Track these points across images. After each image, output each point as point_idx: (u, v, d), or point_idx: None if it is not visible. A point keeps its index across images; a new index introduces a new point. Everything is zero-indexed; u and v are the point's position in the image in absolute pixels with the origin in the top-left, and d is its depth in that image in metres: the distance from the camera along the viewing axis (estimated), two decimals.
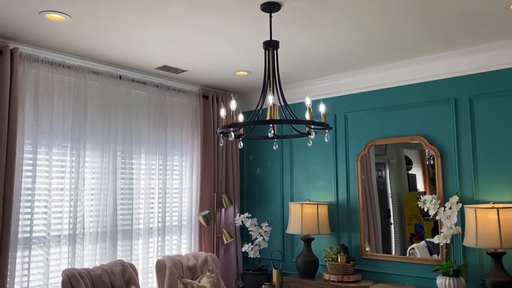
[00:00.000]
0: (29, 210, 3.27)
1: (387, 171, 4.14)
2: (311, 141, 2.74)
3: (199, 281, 3.89)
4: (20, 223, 3.21)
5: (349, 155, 4.24)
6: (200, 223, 4.43)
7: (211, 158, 4.58)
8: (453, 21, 2.94)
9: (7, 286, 3.04)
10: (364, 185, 4.15)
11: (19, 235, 3.19)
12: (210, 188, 4.57)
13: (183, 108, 4.46)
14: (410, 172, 4.01)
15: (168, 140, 4.29)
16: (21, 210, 3.21)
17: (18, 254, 3.18)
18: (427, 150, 3.82)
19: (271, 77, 2.61)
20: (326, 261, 3.94)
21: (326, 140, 2.65)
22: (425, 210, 3.54)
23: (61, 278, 3.17)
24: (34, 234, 3.29)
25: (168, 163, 4.30)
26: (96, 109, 3.72)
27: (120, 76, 3.90)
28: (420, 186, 3.94)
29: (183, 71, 4.07)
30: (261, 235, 4.52)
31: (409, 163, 4.02)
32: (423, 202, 3.53)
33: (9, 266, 3.06)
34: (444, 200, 3.60)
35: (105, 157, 3.75)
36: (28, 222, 3.26)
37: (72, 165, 3.53)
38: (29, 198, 3.28)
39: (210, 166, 4.57)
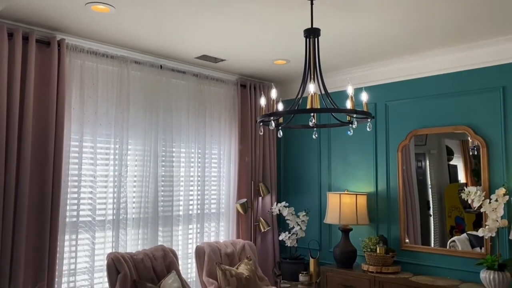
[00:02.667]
0: (75, 195, 3.41)
1: (427, 161, 4.04)
2: (352, 130, 2.71)
3: (237, 268, 3.95)
4: (68, 208, 3.35)
5: (389, 145, 4.15)
6: (237, 211, 4.48)
7: (249, 146, 4.61)
8: (501, 6, 2.80)
9: (56, 266, 3.19)
10: (404, 176, 4.06)
11: (67, 219, 3.34)
12: (248, 176, 4.61)
13: (221, 97, 4.50)
14: (451, 163, 3.90)
15: (206, 129, 4.35)
16: (68, 196, 3.35)
17: (66, 237, 3.33)
18: (470, 140, 3.69)
19: (312, 65, 2.58)
20: (364, 251, 3.91)
21: (368, 129, 2.61)
22: (469, 202, 3.43)
23: (106, 261, 3.30)
24: (80, 219, 3.43)
25: (207, 151, 4.36)
26: (138, 98, 3.81)
27: (161, 66, 3.97)
28: (462, 177, 3.82)
29: (222, 60, 4.10)
30: (298, 224, 4.52)
31: (450, 154, 3.91)
32: (467, 193, 3.43)
33: (58, 248, 3.21)
34: (489, 192, 3.47)
35: (146, 145, 3.84)
36: (75, 207, 3.40)
37: (115, 153, 3.64)
38: (76, 184, 3.41)
39: (247, 154, 4.60)
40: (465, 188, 3.51)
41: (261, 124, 2.73)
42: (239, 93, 4.60)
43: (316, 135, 2.88)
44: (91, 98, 3.52)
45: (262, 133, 3.07)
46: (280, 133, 2.85)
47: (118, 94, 3.66)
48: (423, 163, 4.05)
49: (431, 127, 3.89)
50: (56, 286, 3.17)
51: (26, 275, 2.96)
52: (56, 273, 3.18)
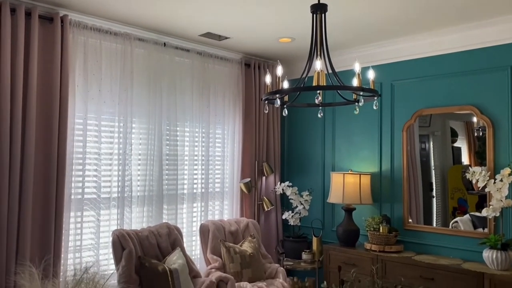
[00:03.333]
0: (80, 173, 3.42)
1: (431, 143, 4.03)
2: (358, 109, 2.69)
3: (240, 245, 3.99)
4: (73, 185, 3.36)
5: (394, 125, 4.13)
6: (241, 190, 4.50)
7: (253, 126, 4.60)
8: None
9: (62, 243, 3.22)
10: (408, 156, 4.05)
11: (72, 197, 3.35)
12: (251, 156, 4.61)
13: (225, 76, 4.46)
14: (455, 145, 3.89)
15: (210, 108, 4.33)
16: (73, 173, 3.36)
17: (72, 214, 3.35)
18: (476, 120, 3.67)
19: (319, 42, 2.55)
20: (367, 231, 3.93)
21: (374, 107, 2.59)
22: (473, 182, 3.43)
23: (111, 238, 3.34)
24: (85, 196, 3.45)
25: (211, 131, 4.35)
26: (142, 76, 3.78)
27: (164, 43, 3.93)
28: (465, 159, 3.82)
29: (226, 38, 4.05)
30: (302, 204, 4.54)
31: (454, 136, 3.89)
32: (472, 173, 3.43)
33: (63, 225, 3.23)
34: (494, 172, 3.46)
35: (151, 123, 3.83)
36: (80, 185, 3.42)
37: (120, 131, 3.64)
38: (80, 161, 3.42)
39: (251, 134, 4.59)
40: (469, 168, 3.51)
41: (266, 102, 2.71)
42: (243, 72, 4.56)
43: (322, 114, 2.86)
44: (95, 75, 3.49)
45: (267, 111, 3.06)
46: (285, 112, 2.83)
47: (121, 71, 3.64)
48: (426, 145, 4.04)
49: (437, 107, 3.87)
50: (62, 262, 3.21)
51: (32, 250, 3.00)
52: (62, 249, 3.21)
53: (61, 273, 2.99)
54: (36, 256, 2.82)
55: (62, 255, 3.22)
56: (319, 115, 2.84)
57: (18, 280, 1.63)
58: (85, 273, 1.64)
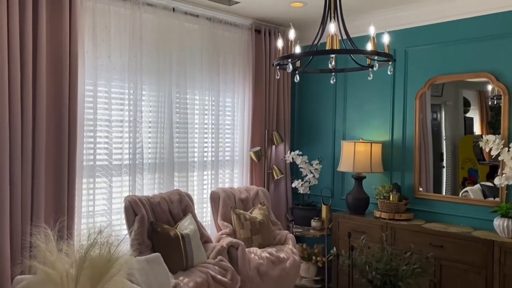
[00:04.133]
0: (91, 140, 3.44)
1: (443, 113, 3.98)
2: (371, 75, 2.64)
3: (251, 213, 4.03)
4: (84, 152, 3.38)
5: (407, 93, 4.07)
6: (251, 159, 4.51)
7: (263, 95, 4.56)
8: None
9: (76, 208, 3.27)
10: (421, 125, 4.00)
11: (84, 163, 3.38)
12: (261, 125, 4.59)
13: (235, 42, 4.39)
14: (467, 115, 3.83)
15: (220, 76, 4.28)
16: (84, 140, 3.38)
17: (84, 180, 3.39)
18: (491, 89, 3.59)
19: (332, 5, 2.48)
20: (377, 199, 3.93)
21: (389, 72, 2.53)
22: (487, 150, 3.39)
23: (123, 204, 3.38)
24: (97, 163, 3.48)
25: (221, 99, 4.32)
26: (151, 42, 3.73)
27: (173, 9, 3.85)
28: (477, 129, 3.78)
29: (236, 2, 3.96)
30: (311, 172, 4.55)
31: (467, 105, 3.83)
32: (485, 142, 3.38)
33: (76, 191, 3.27)
34: (508, 140, 3.42)
35: (160, 91, 3.81)
36: (92, 152, 3.44)
37: (130, 98, 3.62)
38: (91, 128, 3.43)
39: (261, 103, 4.56)
40: (482, 137, 3.46)
41: (278, 67, 2.67)
42: (254, 39, 4.48)
43: (334, 80, 2.81)
44: (104, 41, 3.45)
45: (278, 77, 3.01)
46: (297, 78, 2.78)
47: (131, 38, 3.59)
48: (438, 115, 3.99)
49: (451, 74, 3.78)
50: (76, 226, 3.27)
51: (46, 213, 3.05)
52: (76, 214, 3.26)
53: (75, 236, 3.05)
54: (51, 219, 2.87)
55: (76, 220, 3.28)
56: (331, 81, 2.79)
57: (34, 241, 1.66)
58: (99, 235, 1.66)
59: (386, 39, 2.54)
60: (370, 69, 2.54)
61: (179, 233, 3.36)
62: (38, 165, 3.02)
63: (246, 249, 3.61)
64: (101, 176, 3.51)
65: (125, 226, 3.38)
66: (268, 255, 3.64)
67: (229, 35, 4.33)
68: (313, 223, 4.39)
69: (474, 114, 3.79)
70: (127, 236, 3.26)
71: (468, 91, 3.81)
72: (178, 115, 3.97)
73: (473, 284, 3.26)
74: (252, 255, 3.61)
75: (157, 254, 2.55)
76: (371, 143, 4.07)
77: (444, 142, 3.96)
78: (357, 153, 4.02)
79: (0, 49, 2.82)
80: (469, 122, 3.84)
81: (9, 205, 2.84)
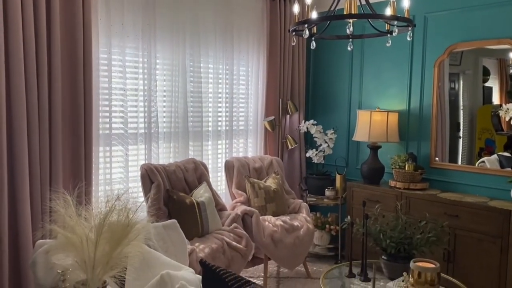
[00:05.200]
0: (107, 108, 3.45)
1: (461, 82, 3.89)
2: (390, 41, 2.57)
3: (265, 182, 4.05)
4: (100, 120, 3.41)
5: (425, 61, 3.97)
6: (265, 128, 4.50)
7: (277, 64, 4.50)
8: None
9: (93, 177, 3.32)
10: (439, 93, 3.93)
11: (100, 132, 3.41)
12: (276, 94, 4.55)
13: (249, 10, 4.30)
14: (486, 84, 3.73)
15: (234, 44, 4.23)
16: (100, 109, 3.40)
17: (101, 148, 3.43)
18: None
19: None
20: (393, 168, 3.91)
21: (408, 38, 2.46)
22: (506, 119, 3.32)
23: (139, 172, 3.42)
24: (113, 131, 3.50)
25: (235, 68, 4.28)
26: (164, 10, 3.67)
27: None
28: (496, 99, 3.69)
29: None
30: (326, 142, 4.52)
31: (486, 74, 3.73)
32: (505, 110, 3.31)
33: (93, 159, 3.32)
34: None
35: (174, 59, 3.79)
36: (107, 120, 3.46)
37: (144, 67, 3.61)
38: (107, 97, 3.44)
39: (276, 72, 4.50)
40: (502, 105, 3.38)
41: (294, 33, 2.61)
42: (268, 5, 4.38)
43: (352, 47, 2.75)
44: (117, 9, 3.41)
45: (294, 44, 2.95)
46: (313, 44, 2.72)
47: (144, 5, 3.54)
48: (456, 84, 3.90)
49: (472, 41, 3.67)
50: (93, 194, 3.33)
51: (65, 180, 3.10)
52: (93, 182, 3.32)
53: (94, 202, 3.11)
54: (69, 185, 2.94)
55: (94, 188, 3.34)
56: (348, 48, 2.73)
57: (54, 206, 1.70)
58: (117, 200, 1.69)
59: (405, 3, 2.46)
60: (388, 35, 2.47)
61: (194, 201, 3.41)
62: (55, 134, 3.05)
63: (260, 217, 3.65)
64: (117, 145, 3.54)
65: (141, 194, 3.43)
66: (282, 223, 3.68)
67: (243, 2, 4.24)
68: (327, 192, 4.40)
69: (493, 83, 3.70)
70: (144, 203, 3.31)
71: (487, 60, 3.71)
72: (192, 84, 3.96)
73: (488, 253, 3.27)
74: (266, 223, 3.65)
75: (174, 220, 2.59)
76: (388, 112, 4.01)
77: (461, 112, 3.89)
78: (373, 122, 3.97)
79: (14, 18, 2.80)
80: (487, 92, 3.75)
81: (28, 172, 2.90)
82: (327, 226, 4.40)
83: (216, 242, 3.23)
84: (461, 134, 3.88)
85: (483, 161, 3.73)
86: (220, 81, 4.20)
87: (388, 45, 2.56)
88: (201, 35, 3.95)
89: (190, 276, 1.91)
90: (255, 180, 3.98)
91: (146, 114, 3.65)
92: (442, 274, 2.75)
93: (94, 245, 1.60)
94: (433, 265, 2.56)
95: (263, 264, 3.72)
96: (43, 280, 2.10)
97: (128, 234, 1.62)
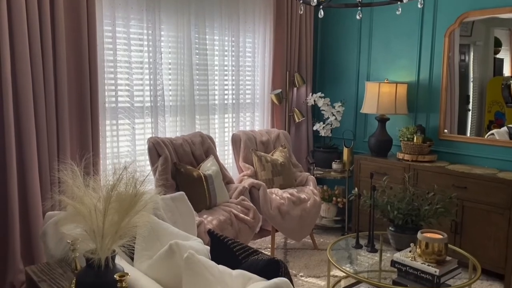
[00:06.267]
0: (113, 81, 3.43)
1: (471, 54, 3.80)
2: (400, 9, 2.50)
3: (272, 155, 4.04)
4: (106, 94, 3.39)
5: (436, 30, 3.87)
6: (272, 102, 4.46)
7: (284, 35, 4.41)
8: None
9: (100, 150, 3.33)
10: (449, 64, 3.85)
11: (106, 105, 3.40)
12: (283, 66, 4.49)
13: None
14: (498, 56, 3.64)
15: (240, 15, 4.15)
16: (106, 82, 3.38)
17: (107, 122, 3.43)
18: None
19: None
20: (401, 141, 3.88)
21: (419, 5, 2.39)
22: None
23: (146, 145, 3.43)
24: (119, 105, 3.49)
25: (241, 40, 4.22)
26: None
27: None
28: (507, 71, 3.61)
29: None
30: (333, 115, 4.48)
31: (498, 45, 3.63)
32: None
33: (100, 133, 3.32)
34: None
35: (179, 31, 3.73)
36: (113, 93, 3.45)
37: (149, 39, 3.56)
38: (112, 70, 3.41)
39: (283, 43, 4.42)
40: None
41: (301, 1, 2.55)
42: None
43: (360, 15, 2.68)
44: None
45: (301, 12, 2.88)
46: (321, 13, 2.66)
47: None
48: (466, 56, 3.82)
49: (484, 9, 3.56)
50: (101, 167, 3.35)
51: (72, 151, 3.12)
52: (101, 155, 3.33)
53: (101, 172, 3.14)
54: (77, 155, 2.97)
55: (101, 161, 3.35)
56: (357, 17, 2.66)
57: (62, 177, 1.70)
58: (124, 171, 1.68)
59: None
60: (399, 3, 2.40)
61: (202, 174, 3.41)
62: (62, 106, 3.05)
63: (268, 190, 3.66)
64: (124, 118, 3.54)
65: (149, 168, 3.44)
66: (289, 195, 3.69)
67: None
68: (334, 165, 4.39)
69: (505, 54, 3.62)
70: (152, 173, 3.33)
71: (499, 30, 3.62)
72: (197, 56, 3.91)
73: (495, 225, 3.26)
74: (274, 195, 3.66)
75: (182, 192, 2.60)
76: (396, 83, 3.95)
77: (471, 85, 3.82)
78: (382, 94, 3.92)
79: None
80: (499, 63, 3.67)
81: (35, 143, 2.91)
82: (334, 198, 4.41)
83: (224, 214, 3.25)
84: (470, 107, 3.82)
85: (493, 133, 3.69)
86: (226, 53, 4.14)
87: (398, 13, 2.50)
88: (206, 6, 3.88)
89: (199, 245, 1.93)
90: (262, 153, 3.98)
91: (151, 87, 3.62)
92: (449, 245, 2.76)
93: (102, 215, 1.60)
94: (440, 236, 2.56)
95: (270, 236, 3.75)
96: (54, 250, 2.13)
97: (135, 204, 1.62)
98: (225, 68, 4.16)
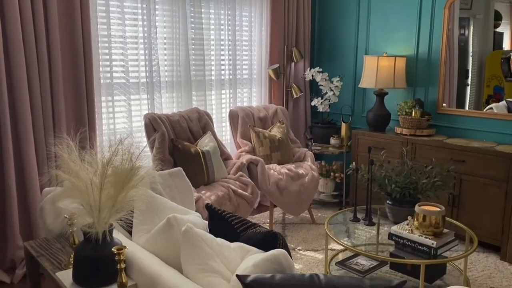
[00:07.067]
0: (107, 57, 3.37)
1: (471, 27, 3.74)
2: None
3: (269, 131, 4.03)
4: (101, 69, 3.34)
5: (435, 2, 3.80)
6: (270, 77, 4.41)
7: (282, 8, 4.33)
8: None
9: (96, 126, 3.31)
10: (449, 36, 3.79)
11: (101, 81, 3.35)
12: (280, 41, 4.42)
13: None
14: (498, 30, 3.59)
15: None
16: (100, 57, 3.32)
17: (103, 98, 3.39)
18: None
19: None
20: (399, 115, 3.86)
21: None
22: None
23: (143, 122, 3.40)
24: (114, 81, 3.44)
25: (237, 13, 4.14)
26: None
27: None
28: (507, 45, 3.57)
29: None
30: (332, 90, 4.44)
31: (497, 19, 3.58)
32: None
33: (96, 109, 3.28)
34: None
35: (174, 5, 3.65)
36: (108, 69, 3.40)
37: (143, 13, 3.49)
38: (106, 45, 3.35)
39: (280, 17, 4.34)
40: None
41: None
42: None
43: None
44: None
45: None
46: None
47: None
48: (466, 30, 3.76)
49: None
50: (98, 144, 3.32)
51: (68, 126, 3.09)
52: (97, 132, 3.30)
53: (97, 147, 3.13)
54: (72, 130, 2.95)
55: (98, 138, 3.33)
56: None
57: (57, 151, 1.68)
58: (120, 145, 1.67)
59: None
60: None
61: (199, 150, 3.40)
62: (56, 83, 3.00)
63: (266, 166, 3.66)
64: (120, 94, 3.50)
65: (146, 144, 3.42)
66: (287, 171, 3.68)
67: None
68: (332, 140, 4.38)
69: (505, 28, 3.57)
70: (148, 148, 3.31)
71: (500, 4, 3.55)
72: (193, 31, 3.84)
73: (493, 197, 3.28)
74: (272, 171, 3.66)
75: (179, 168, 2.59)
76: (395, 57, 3.90)
77: (470, 59, 3.78)
78: (380, 68, 3.88)
79: None
80: (498, 37, 3.63)
81: (31, 118, 2.88)
82: (332, 174, 4.41)
83: (222, 190, 3.25)
84: (469, 81, 3.79)
85: (491, 108, 3.67)
86: (222, 27, 4.07)
87: None
88: None
89: (197, 219, 1.93)
90: (260, 129, 3.96)
91: (147, 63, 3.57)
92: (447, 218, 2.77)
93: (98, 189, 1.59)
94: (438, 209, 2.57)
95: (268, 212, 3.77)
96: (52, 226, 2.13)
97: (132, 178, 1.61)
98: (222, 42, 4.10)
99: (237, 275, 1.32)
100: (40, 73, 2.93)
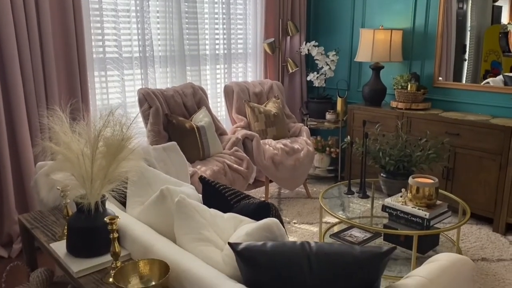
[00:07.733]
0: (99, 31, 3.32)
1: (470, 1, 3.68)
2: None
3: (265, 106, 4.01)
4: (93, 44, 3.29)
5: None
6: (265, 51, 4.36)
7: None
8: None
9: (90, 102, 3.28)
10: (446, 9, 3.74)
11: (94, 56, 3.31)
12: (275, 14, 4.35)
13: None
14: (496, 4, 3.53)
15: None
16: (92, 31, 3.27)
17: (96, 73, 3.35)
18: None
19: None
20: (395, 89, 3.84)
21: None
22: None
23: (137, 97, 3.37)
24: (107, 55, 3.40)
25: None
26: None
27: None
28: (505, 19, 3.51)
29: None
30: (328, 64, 4.41)
31: None
32: None
33: (89, 84, 3.25)
34: None
35: None
36: (100, 43, 3.35)
37: None
38: (98, 19, 3.29)
39: None
40: (511, 23, 3.23)
41: None
42: None
43: None
44: None
45: None
46: None
47: None
48: (464, 4, 3.70)
49: None
50: (92, 119, 3.30)
51: (60, 98, 3.07)
52: (91, 108, 3.28)
53: (88, 118, 3.11)
54: (62, 102, 2.93)
55: (91, 114, 3.30)
56: None
57: (48, 123, 1.67)
58: (111, 116, 1.65)
59: None
60: None
61: (194, 125, 3.39)
62: (48, 57, 2.96)
63: (261, 141, 3.65)
64: (113, 69, 3.45)
65: (140, 119, 3.40)
66: (282, 146, 3.68)
67: None
68: (328, 115, 4.36)
69: (503, 2, 3.52)
70: (142, 123, 3.29)
71: None
72: (186, 4, 3.77)
73: (486, 169, 3.29)
74: (267, 146, 3.66)
75: (174, 142, 2.58)
76: (391, 30, 3.85)
77: (468, 34, 3.73)
78: (376, 41, 3.83)
79: None
80: (497, 11, 3.58)
81: (22, 91, 2.85)
82: (327, 148, 4.42)
83: (218, 165, 3.26)
84: (466, 56, 3.76)
85: (488, 82, 3.65)
86: (216, 0, 4.00)
87: None
88: None
89: (190, 191, 1.93)
90: (255, 104, 3.94)
91: (140, 37, 3.52)
92: (440, 190, 2.79)
93: (90, 160, 1.59)
94: (431, 181, 2.58)
95: (264, 186, 3.78)
96: (46, 199, 2.14)
97: (123, 148, 1.60)
98: (216, 16, 4.03)
99: (229, 243, 1.33)
100: (31, 47, 2.89)
